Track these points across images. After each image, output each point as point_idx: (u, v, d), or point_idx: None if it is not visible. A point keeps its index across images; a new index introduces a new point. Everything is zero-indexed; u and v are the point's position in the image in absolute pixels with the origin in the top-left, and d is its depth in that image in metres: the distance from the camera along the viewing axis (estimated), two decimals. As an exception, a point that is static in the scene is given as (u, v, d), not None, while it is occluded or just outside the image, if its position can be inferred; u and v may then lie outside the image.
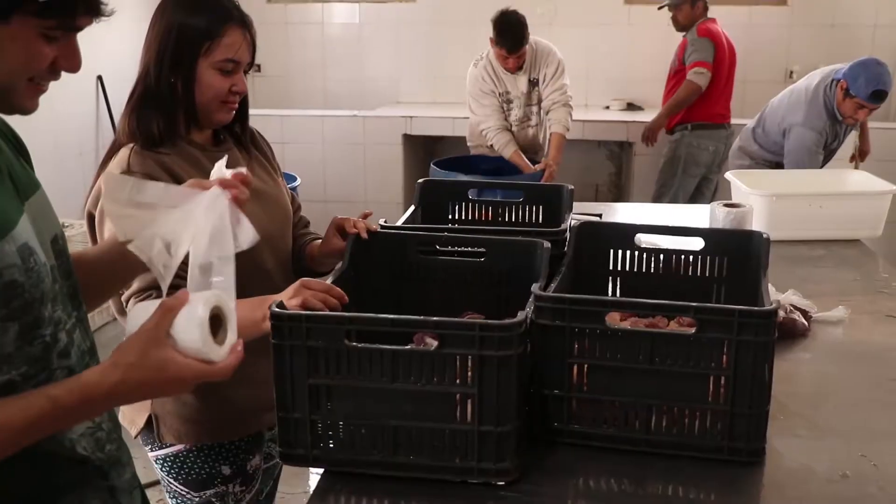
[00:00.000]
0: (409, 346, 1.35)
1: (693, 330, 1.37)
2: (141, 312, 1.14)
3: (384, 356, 1.31)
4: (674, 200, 4.77)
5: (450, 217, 2.24)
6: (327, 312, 1.41)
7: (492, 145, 4.53)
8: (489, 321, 1.29)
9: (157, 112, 1.77)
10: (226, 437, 1.87)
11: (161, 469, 1.88)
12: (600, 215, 2.93)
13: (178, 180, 1.74)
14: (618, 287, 1.84)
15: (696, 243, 1.78)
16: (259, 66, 5.75)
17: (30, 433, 1.05)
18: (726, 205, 2.01)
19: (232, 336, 1.15)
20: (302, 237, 2.07)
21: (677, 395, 1.40)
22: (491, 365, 1.28)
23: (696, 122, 4.75)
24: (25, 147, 1.27)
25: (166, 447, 1.83)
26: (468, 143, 4.76)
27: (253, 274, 1.76)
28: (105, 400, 1.10)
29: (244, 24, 1.75)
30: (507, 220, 2.23)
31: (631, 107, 5.86)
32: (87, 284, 1.30)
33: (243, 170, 1.37)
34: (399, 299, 1.75)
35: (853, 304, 2.06)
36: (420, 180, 2.24)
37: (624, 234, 1.82)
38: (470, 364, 1.29)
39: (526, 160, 4.48)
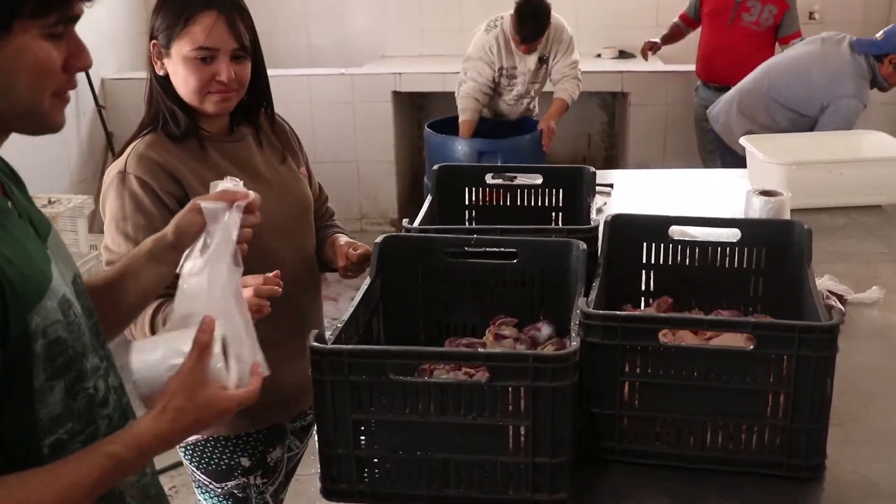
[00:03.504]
0: (455, 377, 1.29)
1: (751, 346, 1.31)
2: (148, 347, 1.13)
3: (432, 389, 1.25)
4: None
5: (466, 203, 2.16)
6: (369, 347, 1.34)
7: (466, 90, 4.38)
8: (543, 353, 1.23)
9: (160, 105, 1.74)
10: (242, 429, 1.84)
11: (184, 457, 1.90)
12: (612, 185, 2.87)
13: (177, 181, 1.69)
14: (651, 281, 1.77)
15: (731, 233, 1.72)
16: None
17: (95, 493, 1.03)
18: (762, 193, 1.94)
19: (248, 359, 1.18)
20: (325, 229, 2.01)
21: (733, 411, 1.34)
22: (545, 396, 1.22)
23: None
24: (20, 178, 1.19)
25: None
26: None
27: (264, 266, 1.71)
28: (160, 447, 1.09)
29: (220, 7, 1.66)
30: (526, 204, 2.15)
31: (623, 54, 5.74)
32: (103, 316, 1.23)
33: (247, 193, 1.33)
34: (428, 304, 1.69)
35: (886, 282, 2.01)
36: (435, 167, 2.16)
37: (657, 227, 1.75)
38: (523, 394, 1.23)
39: (470, 132, 4.41)
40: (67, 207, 3.99)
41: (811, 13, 5.57)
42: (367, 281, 1.57)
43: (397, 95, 5.41)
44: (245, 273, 1.60)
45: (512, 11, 4.17)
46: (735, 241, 1.71)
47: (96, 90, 5.10)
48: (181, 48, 1.66)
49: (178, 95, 1.72)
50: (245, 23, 1.71)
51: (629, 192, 2.83)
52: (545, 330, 1.66)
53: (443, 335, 1.70)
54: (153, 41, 1.71)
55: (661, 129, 5.29)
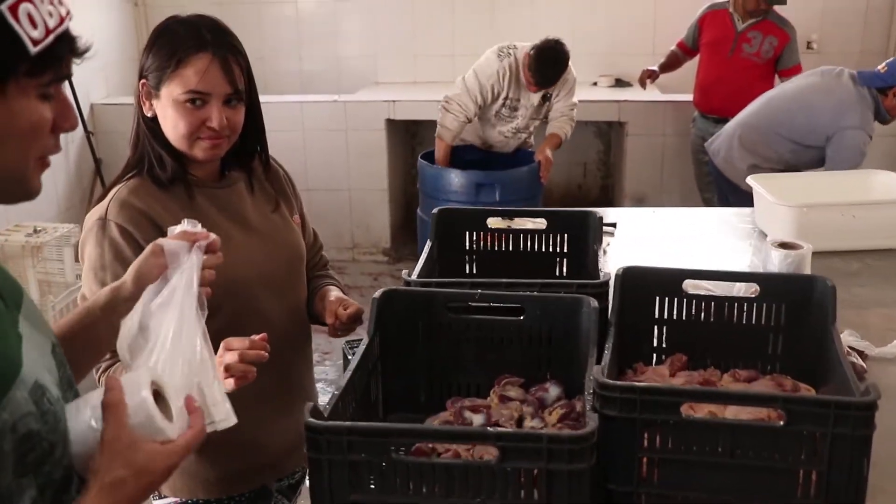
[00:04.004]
0: (462, 456, 1.19)
1: (781, 422, 1.21)
2: (73, 409, 1.02)
3: (437, 470, 1.15)
4: None
5: (467, 248, 2.07)
6: (370, 424, 1.24)
7: (447, 120, 4.29)
8: (559, 433, 1.13)
9: (147, 148, 1.66)
10: (224, 493, 1.75)
11: None
12: (615, 225, 2.78)
13: (161, 231, 1.58)
14: (664, 338, 1.68)
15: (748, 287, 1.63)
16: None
17: None
18: (782, 245, 1.86)
19: (177, 400, 1.08)
20: (317, 279, 1.92)
21: (760, 490, 1.25)
22: (561, 480, 1.12)
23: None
24: None
25: (160, 498, 1.72)
26: None
27: (251, 318, 1.65)
28: None
29: (214, 49, 1.57)
30: (529, 248, 2.06)
31: (619, 83, 5.67)
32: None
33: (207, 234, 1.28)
34: (429, 362, 1.59)
35: (906, 336, 1.93)
36: (435, 210, 2.07)
37: (671, 280, 1.66)
38: (536, 476, 1.13)
39: (448, 159, 4.36)
40: (54, 237, 3.89)
41: (809, 43, 5.52)
42: (365, 341, 1.47)
43: (391, 123, 5.33)
44: (231, 326, 1.51)
45: (528, 48, 4.11)
46: (753, 296, 1.62)
47: (85, 116, 5.01)
48: (171, 91, 1.57)
49: (166, 139, 1.63)
50: (240, 65, 1.62)
51: (632, 231, 2.74)
52: (553, 391, 1.57)
53: (444, 395, 1.60)
54: (142, 80, 1.62)
55: (659, 159, 5.22)
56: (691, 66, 4.90)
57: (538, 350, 1.58)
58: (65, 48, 0.94)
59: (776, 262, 1.81)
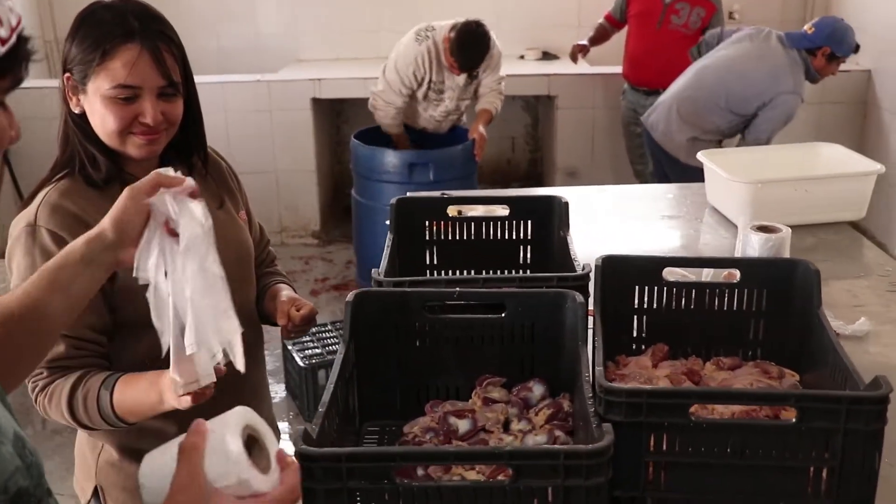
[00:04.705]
0: (470, 478, 1.11)
1: (793, 419, 1.17)
2: (157, 461, 0.96)
3: (443, 493, 1.07)
4: None
5: (427, 238, 1.98)
6: (370, 449, 1.15)
7: (379, 117, 4.30)
8: (576, 447, 1.06)
9: (77, 147, 1.53)
10: None
11: None
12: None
13: None
14: (644, 327, 1.63)
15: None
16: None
17: None
18: (760, 228, 1.82)
19: (272, 448, 1.02)
20: (266, 277, 1.81)
21: (770, 489, 1.20)
22: (578, 497, 1.06)
23: None
24: None
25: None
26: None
27: None
28: None
29: (143, 39, 1.44)
30: (491, 237, 1.98)
31: (547, 55, 5.63)
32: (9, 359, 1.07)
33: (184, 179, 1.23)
34: (407, 366, 1.51)
35: (871, 312, 1.92)
36: (393, 200, 1.96)
37: (650, 269, 1.60)
38: (551, 495, 1.06)
39: (408, 142, 4.36)
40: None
41: (731, 13, 5.56)
42: (342, 349, 1.38)
43: (316, 102, 5.17)
44: None
45: (447, 30, 4.00)
46: (734, 281, 1.58)
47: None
48: (99, 85, 1.44)
49: (97, 136, 1.50)
50: (173, 54, 1.49)
51: (581, 212, 2.68)
52: (537, 390, 1.50)
53: (422, 398, 1.52)
54: (66, 74, 1.48)
55: (589, 132, 5.20)
56: (620, 39, 4.87)
57: (520, 347, 1.51)
58: (24, 49, 0.83)
59: (756, 246, 1.78)
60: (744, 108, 3.63)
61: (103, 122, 1.47)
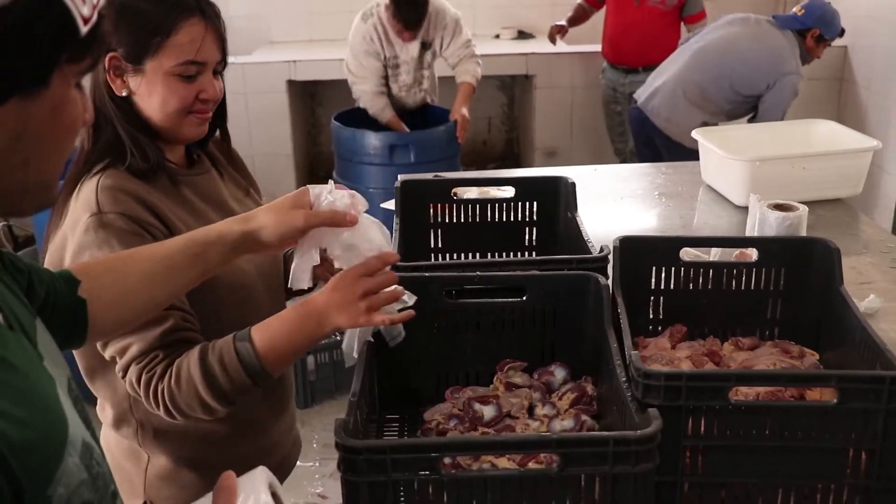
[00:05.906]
0: (517, 464, 1.08)
1: (834, 400, 1.15)
2: None
3: (489, 484, 1.04)
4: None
5: (431, 221, 1.95)
6: (416, 441, 1.12)
7: (365, 109, 4.23)
8: (625, 434, 1.03)
9: (119, 132, 1.40)
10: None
11: None
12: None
13: (163, 222, 1.37)
14: (660, 308, 1.62)
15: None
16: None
17: None
18: (777, 206, 1.80)
19: None
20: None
21: (809, 472, 1.19)
22: (626, 484, 1.04)
23: None
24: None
25: None
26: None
27: (252, 318, 1.39)
28: None
29: (204, 13, 1.38)
30: (497, 219, 1.96)
31: (522, 34, 5.58)
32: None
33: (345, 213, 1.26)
34: (428, 351, 1.48)
35: (879, 289, 1.92)
36: (398, 182, 1.93)
37: (668, 249, 1.59)
38: (598, 483, 1.04)
39: (402, 123, 4.24)
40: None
41: (706, -6, 5.55)
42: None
43: (292, 84, 5.09)
44: (231, 329, 1.33)
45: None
46: (752, 261, 1.57)
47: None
48: (162, 62, 1.35)
49: (142, 120, 1.40)
50: (224, 29, 1.44)
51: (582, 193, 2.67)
52: (559, 374, 1.49)
53: (441, 385, 1.50)
54: (112, 54, 1.36)
55: (568, 111, 5.18)
56: (598, 17, 4.84)
57: (541, 331, 1.49)
58: (102, 28, 0.79)
59: (774, 224, 1.76)
60: (749, 90, 3.62)
61: (164, 101, 1.37)
